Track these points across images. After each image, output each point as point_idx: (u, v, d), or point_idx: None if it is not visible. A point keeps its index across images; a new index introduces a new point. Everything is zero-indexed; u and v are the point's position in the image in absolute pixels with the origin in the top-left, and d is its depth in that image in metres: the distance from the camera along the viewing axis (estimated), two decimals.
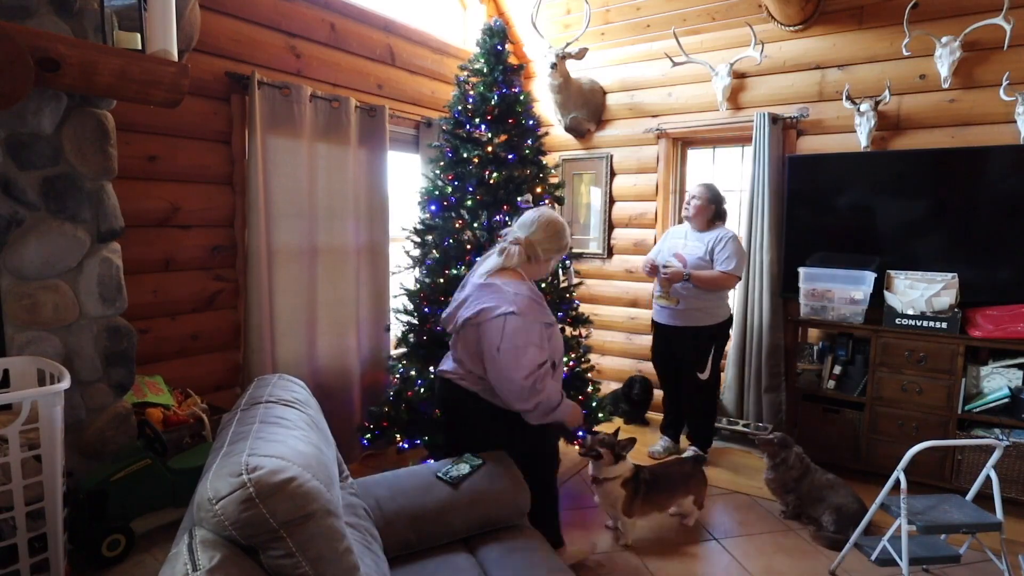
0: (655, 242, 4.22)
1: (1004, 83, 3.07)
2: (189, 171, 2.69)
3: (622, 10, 4.11)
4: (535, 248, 2.13)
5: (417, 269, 3.14)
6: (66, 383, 1.63)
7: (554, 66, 3.88)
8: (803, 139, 3.70)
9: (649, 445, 3.62)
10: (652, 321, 3.60)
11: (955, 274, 3.07)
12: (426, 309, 3.01)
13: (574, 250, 4.33)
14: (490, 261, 2.18)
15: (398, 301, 3.19)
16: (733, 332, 3.94)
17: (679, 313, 3.35)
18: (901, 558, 2.16)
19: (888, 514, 2.28)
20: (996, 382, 2.97)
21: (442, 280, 2.95)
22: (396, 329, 3.35)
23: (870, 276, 3.23)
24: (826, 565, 2.50)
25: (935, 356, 3.02)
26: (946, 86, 3.22)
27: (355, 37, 3.39)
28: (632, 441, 2.59)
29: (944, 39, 3.15)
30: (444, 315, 2.29)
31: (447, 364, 2.26)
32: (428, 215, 3.10)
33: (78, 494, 1.84)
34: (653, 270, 3.35)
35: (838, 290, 3.31)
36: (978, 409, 2.95)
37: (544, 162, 3.23)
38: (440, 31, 4.09)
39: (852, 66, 3.52)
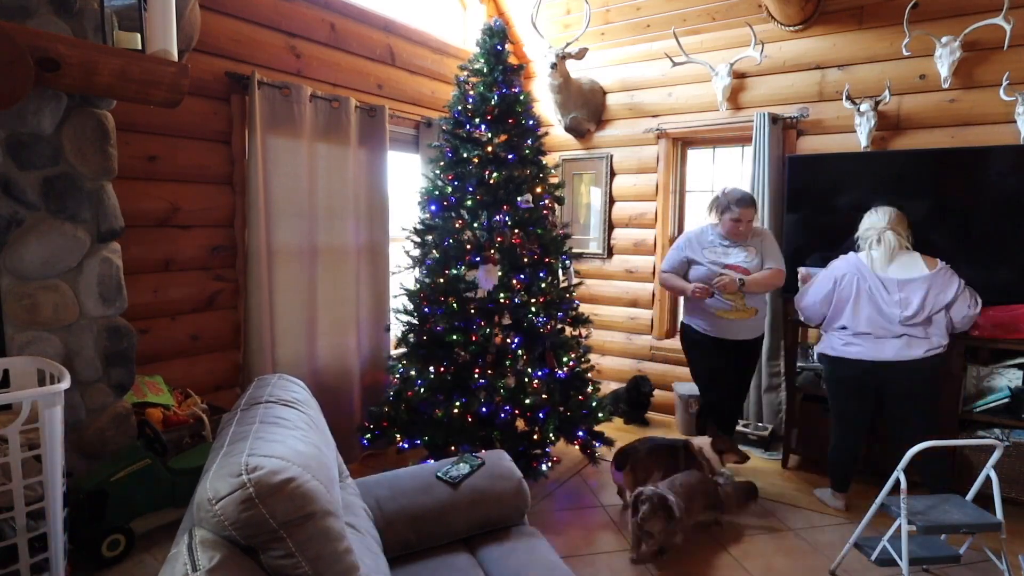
0: (655, 242, 4.23)
1: (1004, 83, 3.07)
2: (189, 171, 2.69)
3: (622, 10, 4.11)
4: None
5: (417, 269, 3.15)
6: (66, 383, 1.63)
7: (554, 66, 3.88)
8: (803, 139, 3.70)
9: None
10: (706, 338, 3.17)
11: None
12: (426, 309, 3.02)
13: (574, 250, 4.33)
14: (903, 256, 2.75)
15: (398, 301, 3.19)
16: None
17: (757, 322, 3.17)
18: (901, 558, 2.16)
19: (888, 514, 2.28)
20: (996, 382, 2.97)
21: (442, 280, 2.95)
22: (396, 329, 3.35)
23: None
24: (826, 565, 2.50)
25: None
26: (946, 86, 3.22)
27: (355, 37, 3.39)
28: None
29: (944, 39, 3.15)
30: (904, 312, 2.69)
31: (917, 348, 2.68)
32: (428, 215, 3.10)
33: (78, 494, 1.84)
34: (705, 291, 3.02)
35: None
36: (978, 409, 2.95)
37: (544, 162, 3.23)
38: (440, 31, 4.09)
39: (852, 66, 3.52)
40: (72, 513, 1.82)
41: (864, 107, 3.37)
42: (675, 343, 4.31)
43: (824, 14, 3.56)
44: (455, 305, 2.93)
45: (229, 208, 2.86)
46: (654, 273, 4.26)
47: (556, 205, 3.25)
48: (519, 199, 2.98)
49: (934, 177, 3.23)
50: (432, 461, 2.50)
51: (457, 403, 2.84)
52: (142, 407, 2.25)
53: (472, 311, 2.94)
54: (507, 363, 2.92)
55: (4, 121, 1.79)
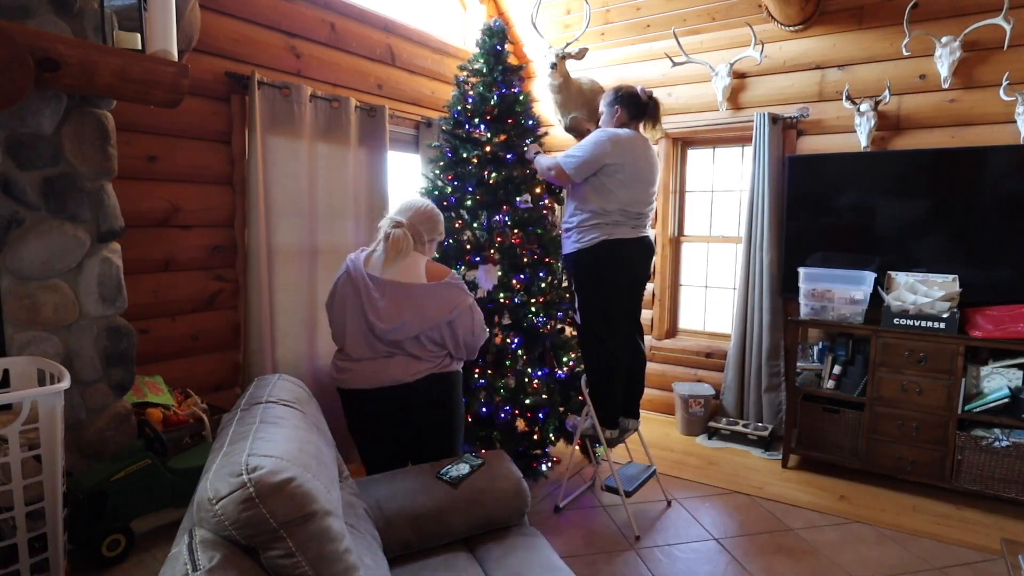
0: (655, 242, 4.22)
1: (1004, 83, 3.07)
2: (189, 171, 2.69)
3: (622, 10, 4.11)
4: (420, 234, 2.24)
5: None
6: (66, 383, 1.63)
7: (554, 66, 3.86)
8: (803, 139, 3.70)
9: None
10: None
11: (955, 276, 3.07)
12: None
13: None
14: (378, 255, 2.22)
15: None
16: (733, 332, 3.95)
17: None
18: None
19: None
20: (996, 382, 2.97)
21: None
22: None
23: (870, 276, 3.23)
24: (826, 566, 2.50)
25: (935, 356, 3.02)
26: (946, 86, 3.22)
27: (355, 37, 3.39)
28: None
29: (944, 39, 3.15)
30: (383, 326, 2.11)
31: (404, 368, 2.15)
32: None
33: (78, 494, 1.84)
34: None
35: (838, 290, 3.30)
36: (978, 409, 2.95)
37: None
38: (440, 31, 4.09)
39: (852, 66, 3.52)
40: (72, 513, 1.82)
41: (864, 107, 3.37)
42: (675, 343, 4.33)
43: (824, 14, 3.56)
44: None
45: (229, 208, 2.85)
46: (654, 273, 4.26)
47: (556, 205, 3.26)
48: (518, 199, 2.98)
49: (934, 177, 3.23)
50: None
51: None
52: (142, 407, 2.25)
53: None
54: (507, 363, 2.92)
55: (4, 121, 1.79)
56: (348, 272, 2.22)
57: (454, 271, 2.26)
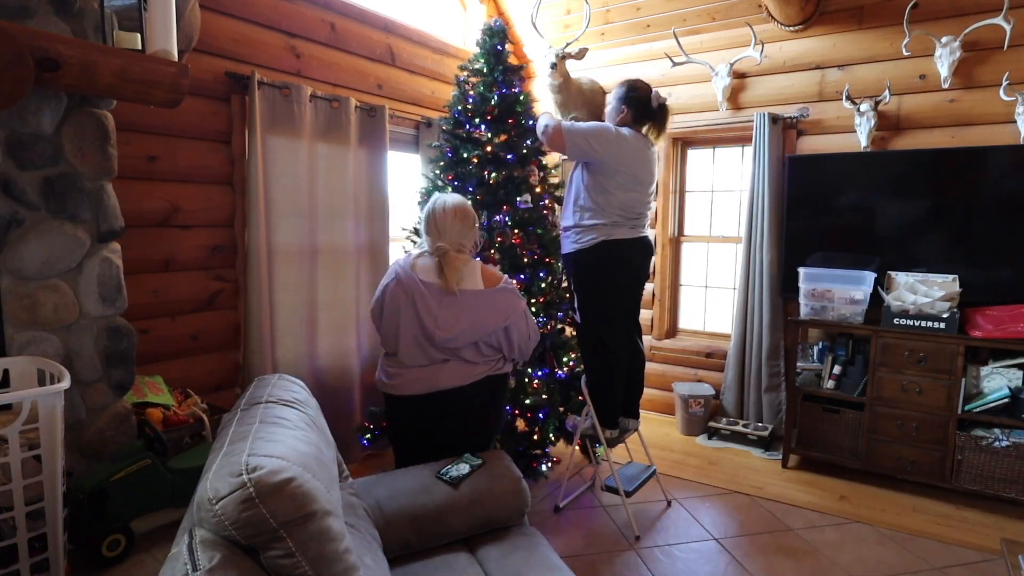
0: (655, 242, 4.22)
1: (1004, 83, 3.07)
2: (189, 171, 2.69)
3: (622, 10, 4.11)
4: (464, 244, 2.25)
5: None
6: (66, 383, 1.63)
7: (554, 66, 3.85)
8: (803, 139, 3.70)
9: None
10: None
11: (955, 276, 3.07)
12: None
13: None
14: (425, 261, 2.21)
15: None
16: (733, 332, 3.95)
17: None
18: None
19: None
20: (996, 382, 2.97)
21: None
22: None
23: (870, 276, 3.23)
24: (826, 566, 2.50)
25: (935, 356, 3.02)
26: (946, 86, 3.22)
27: (355, 37, 3.39)
28: None
29: (944, 39, 3.15)
30: (444, 335, 2.10)
31: (460, 373, 2.14)
32: None
33: (78, 494, 1.84)
34: None
35: (838, 290, 3.31)
36: (978, 409, 2.95)
37: (544, 162, 3.23)
38: (440, 31, 4.09)
39: (852, 66, 3.52)
40: (72, 513, 1.82)
41: (864, 107, 3.37)
42: (675, 343, 4.32)
43: (824, 14, 3.56)
44: None
45: (229, 208, 2.85)
46: (653, 273, 4.26)
47: (556, 205, 3.26)
48: (519, 199, 2.98)
49: (934, 177, 3.23)
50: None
51: None
52: (142, 407, 2.25)
53: None
54: None
55: (4, 121, 1.79)
56: (399, 279, 2.16)
57: (506, 275, 2.28)
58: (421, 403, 2.15)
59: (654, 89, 2.75)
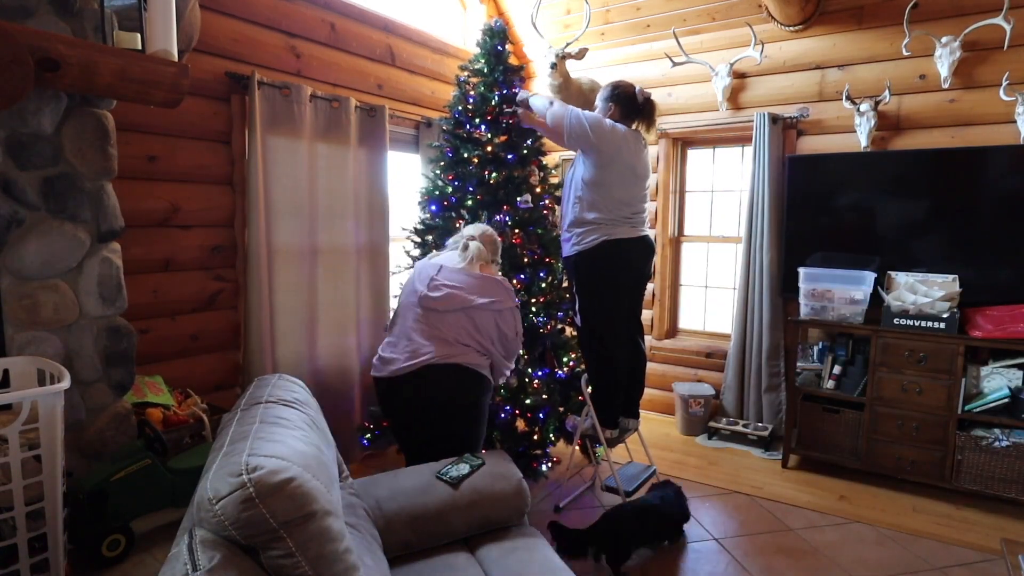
0: (655, 242, 4.22)
1: (1004, 83, 3.07)
2: (189, 171, 2.69)
3: (622, 10, 4.11)
4: (486, 254, 2.49)
5: None
6: (66, 383, 1.63)
7: (554, 66, 3.86)
8: (803, 139, 3.70)
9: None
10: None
11: (955, 276, 3.07)
12: None
13: None
14: (455, 255, 2.48)
15: (398, 301, 3.19)
16: (733, 332, 3.95)
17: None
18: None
19: None
20: (996, 382, 2.97)
21: None
22: None
23: (870, 276, 3.23)
24: (826, 566, 2.50)
25: (935, 356, 3.02)
26: (946, 86, 3.22)
27: (355, 37, 3.39)
28: None
29: (944, 39, 3.15)
30: (432, 294, 2.34)
31: (438, 350, 2.27)
32: (428, 215, 3.10)
33: (78, 494, 1.84)
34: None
35: (838, 290, 3.31)
36: (978, 409, 2.95)
37: (544, 162, 3.23)
38: (440, 31, 4.09)
39: (852, 66, 3.52)
40: (72, 513, 1.82)
41: (864, 107, 3.37)
42: (675, 343, 4.33)
43: (824, 14, 3.56)
44: None
45: (229, 208, 2.85)
46: (654, 273, 4.26)
47: (556, 205, 3.25)
48: (519, 199, 2.98)
49: (934, 177, 3.23)
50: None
51: None
52: (142, 407, 2.25)
53: None
54: None
55: (4, 121, 1.79)
56: (415, 270, 2.52)
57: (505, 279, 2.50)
58: (402, 383, 2.29)
59: (637, 86, 2.78)
